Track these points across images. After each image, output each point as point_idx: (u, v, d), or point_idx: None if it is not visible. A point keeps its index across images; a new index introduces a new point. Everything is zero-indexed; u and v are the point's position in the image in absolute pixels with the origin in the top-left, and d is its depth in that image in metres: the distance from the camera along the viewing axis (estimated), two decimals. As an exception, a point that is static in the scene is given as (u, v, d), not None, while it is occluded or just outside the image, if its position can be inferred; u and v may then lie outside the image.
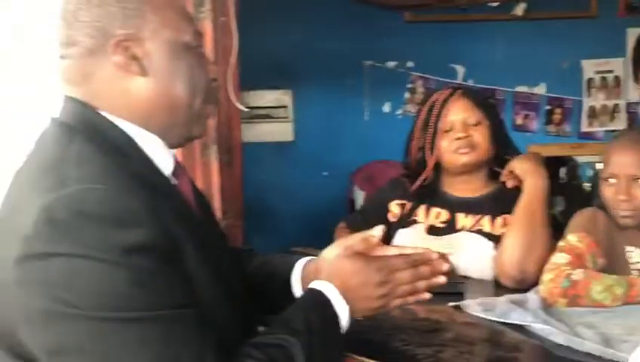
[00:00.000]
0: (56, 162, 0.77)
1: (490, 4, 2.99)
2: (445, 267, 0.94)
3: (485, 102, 1.69)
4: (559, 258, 1.29)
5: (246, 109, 1.70)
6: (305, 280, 1.00)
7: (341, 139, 3.25)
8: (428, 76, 3.26)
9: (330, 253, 0.95)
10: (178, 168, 0.92)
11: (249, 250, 1.22)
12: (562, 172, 3.18)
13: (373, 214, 1.77)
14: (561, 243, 1.33)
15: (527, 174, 1.53)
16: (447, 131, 1.60)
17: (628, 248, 1.35)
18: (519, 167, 1.56)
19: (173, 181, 0.89)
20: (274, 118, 3.19)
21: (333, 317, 0.85)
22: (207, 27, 1.57)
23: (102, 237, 0.69)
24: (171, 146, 0.91)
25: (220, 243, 0.99)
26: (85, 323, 0.69)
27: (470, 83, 3.24)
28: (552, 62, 3.21)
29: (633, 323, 1.09)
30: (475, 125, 1.59)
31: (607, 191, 1.33)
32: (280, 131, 3.20)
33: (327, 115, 3.21)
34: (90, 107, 0.84)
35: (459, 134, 1.58)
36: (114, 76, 0.84)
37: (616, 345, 1.00)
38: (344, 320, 0.86)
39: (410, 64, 3.28)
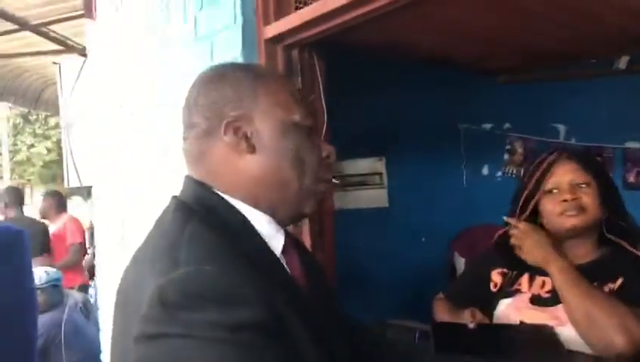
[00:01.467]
0: (171, 244, 0.80)
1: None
2: None
3: (594, 163, 1.60)
4: None
5: (338, 182, 1.72)
6: None
7: (439, 204, 3.18)
8: (527, 136, 3.16)
9: None
10: (288, 242, 0.93)
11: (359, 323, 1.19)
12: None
13: (474, 284, 1.70)
14: None
15: (542, 264, 1.48)
16: (551, 193, 1.52)
17: None
18: (531, 258, 1.51)
19: (282, 258, 0.91)
20: (369, 185, 3.21)
21: None
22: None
23: (209, 316, 0.72)
24: (282, 224, 0.93)
25: (330, 319, 0.98)
26: None
27: (573, 141, 3.10)
28: (663, 115, 3.00)
29: None
30: (583, 187, 1.50)
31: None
32: (375, 197, 3.20)
33: (423, 180, 3.18)
34: (206, 186, 0.89)
35: (566, 196, 1.49)
36: (226, 155, 0.89)
37: None
38: None
39: (507, 125, 3.20)
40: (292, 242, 0.97)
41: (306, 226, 1.66)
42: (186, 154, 0.93)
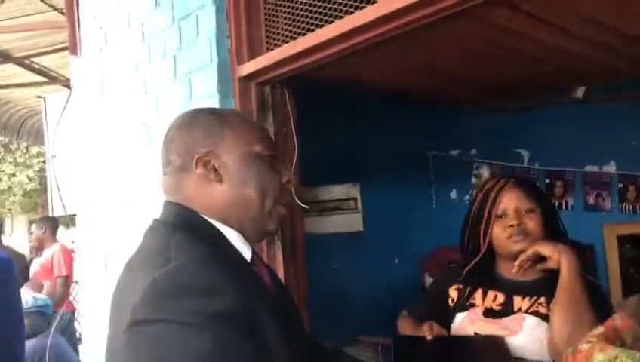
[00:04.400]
0: (161, 248, 0.94)
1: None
2: None
3: (537, 190, 1.75)
4: (596, 330, 1.28)
5: (307, 207, 1.86)
6: None
7: (411, 227, 3.31)
8: (492, 162, 3.33)
9: None
10: (255, 257, 1.09)
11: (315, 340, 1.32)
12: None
13: (433, 300, 1.84)
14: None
15: (559, 255, 1.55)
16: (500, 218, 1.67)
17: None
18: (549, 249, 1.58)
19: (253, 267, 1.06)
20: (344, 210, 3.34)
21: None
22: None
23: (192, 304, 0.84)
24: (250, 240, 1.08)
25: (298, 325, 1.13)
26: None
27: (536, 166, 3.27)
28: (619, 140, 3.19)
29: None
30: (528, 213, 1.64)
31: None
32: (350, 222, 3.33)
33: (395, 205, 3.31)
34: (185, 207, 1.04)
35: (512, 222, 1.63)
36: (199, 185, 1.05)
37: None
38: None
39: (473, 151, 3.37)
40: (259, 258, 1.13)
41: (278, 250, 1.79)
42: (165, 187, 1.09)
